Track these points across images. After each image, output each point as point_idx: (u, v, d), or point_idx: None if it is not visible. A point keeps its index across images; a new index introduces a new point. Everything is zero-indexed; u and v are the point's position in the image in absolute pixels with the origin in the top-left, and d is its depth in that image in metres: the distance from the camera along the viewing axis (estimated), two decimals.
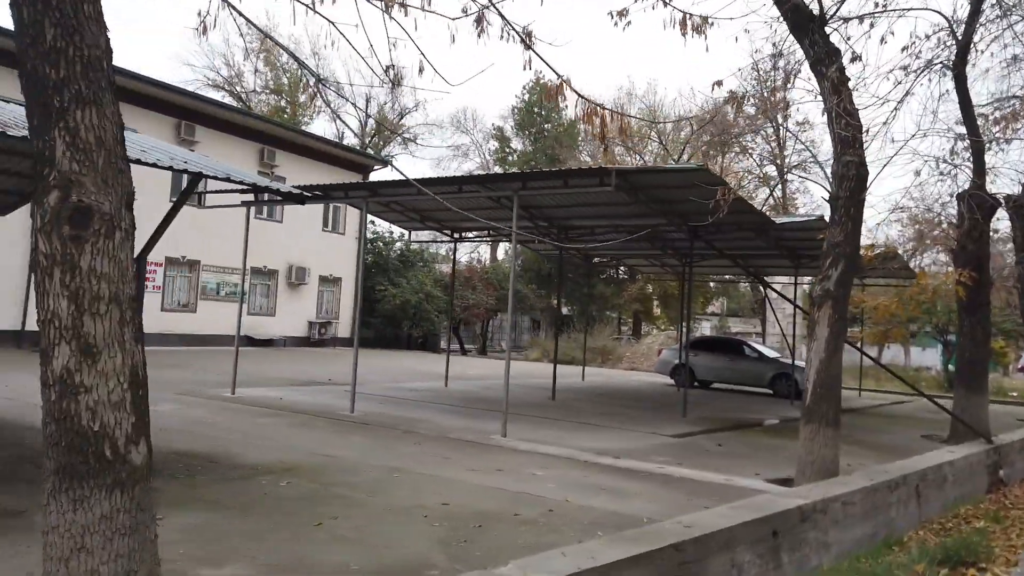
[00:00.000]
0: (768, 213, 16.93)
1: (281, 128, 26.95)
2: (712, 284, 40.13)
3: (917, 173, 9.30)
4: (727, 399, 17.33)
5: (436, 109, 77.90)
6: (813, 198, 43.82)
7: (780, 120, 32.58)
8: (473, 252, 50.91)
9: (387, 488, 6.13)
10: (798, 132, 35.93)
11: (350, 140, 43.63)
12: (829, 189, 7.72)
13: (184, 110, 23.24)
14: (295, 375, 16.13)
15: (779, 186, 36.56)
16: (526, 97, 44.35)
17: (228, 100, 41.39)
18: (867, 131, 8.63)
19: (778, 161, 37.42)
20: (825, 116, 7.75)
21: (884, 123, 8.74)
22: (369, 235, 33.21)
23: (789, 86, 7.55)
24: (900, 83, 9.01)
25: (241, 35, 45.54)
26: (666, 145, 35.93)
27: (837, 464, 7.21)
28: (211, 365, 17.20)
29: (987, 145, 12.22)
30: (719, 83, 7.82)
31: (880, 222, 10.02)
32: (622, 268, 37.52)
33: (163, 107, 22.77)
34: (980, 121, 12.27)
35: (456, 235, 16.02)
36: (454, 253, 17.87)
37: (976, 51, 11.01)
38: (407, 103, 45.90)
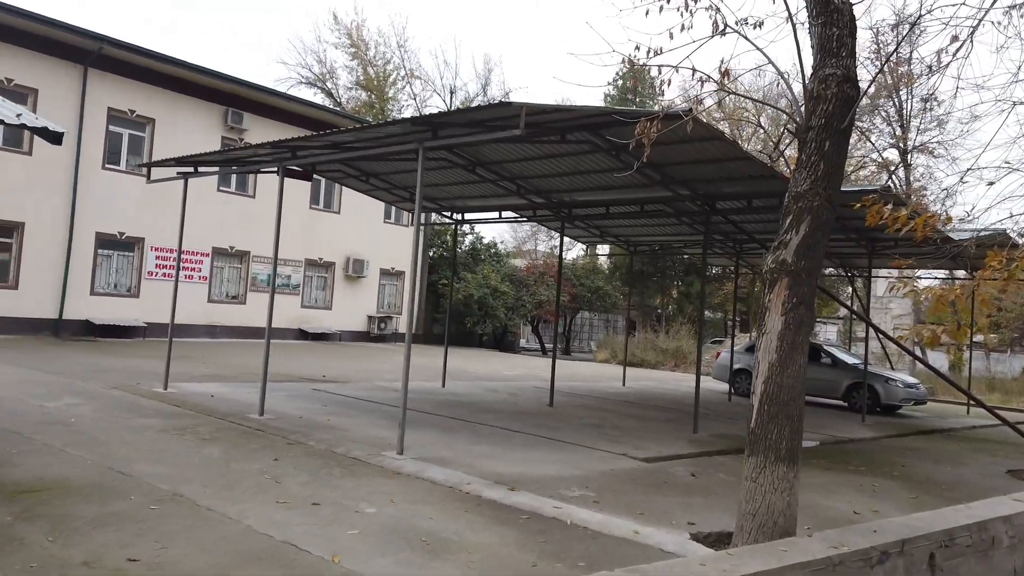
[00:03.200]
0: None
1: (328, 113, 26.14)
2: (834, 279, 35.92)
3: None
4: None
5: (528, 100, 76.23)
6: (942, 186, 38.50)
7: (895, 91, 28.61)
8: (571, 248, 48.96)
9: (91, 531, 4.45)
10: (922, 110, 31.73)
11: None
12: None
13: (232, 96, 22.81)
14: (298, 370, 14.91)
15: (898, 170, 32.13)
16: (619, 83, 41.83)
17: (319, 97, 41.66)
18: (932, 67, 6.13)
19: (900, 144, 33.10)
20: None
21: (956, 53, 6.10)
22: (438, 228, 32.05)
23: None
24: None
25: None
26: (763, 126, 32.36)
27: (793, 517, 4.84)
28: (221, 359, 16.34)
29: None
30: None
31: (958, 182, 7.22)
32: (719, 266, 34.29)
33: (211, 95, 22.44)
34: None
35: (459, 216, 14.22)
36: (454, 236, 16.02)
37: None
38: (495, 94, 44.60)
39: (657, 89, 34.11)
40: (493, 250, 33.50)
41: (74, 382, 10.73)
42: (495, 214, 13.83)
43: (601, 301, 35.36)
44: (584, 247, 37.12)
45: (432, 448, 7.70)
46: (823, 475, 8.33)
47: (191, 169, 10.58)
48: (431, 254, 30.62)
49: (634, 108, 8.12)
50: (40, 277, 19.15)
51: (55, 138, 5.37)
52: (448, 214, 14.11)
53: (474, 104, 41.35)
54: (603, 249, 39.65)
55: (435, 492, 5.99)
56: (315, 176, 13.33)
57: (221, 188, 22.96)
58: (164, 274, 21.44)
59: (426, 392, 12.86)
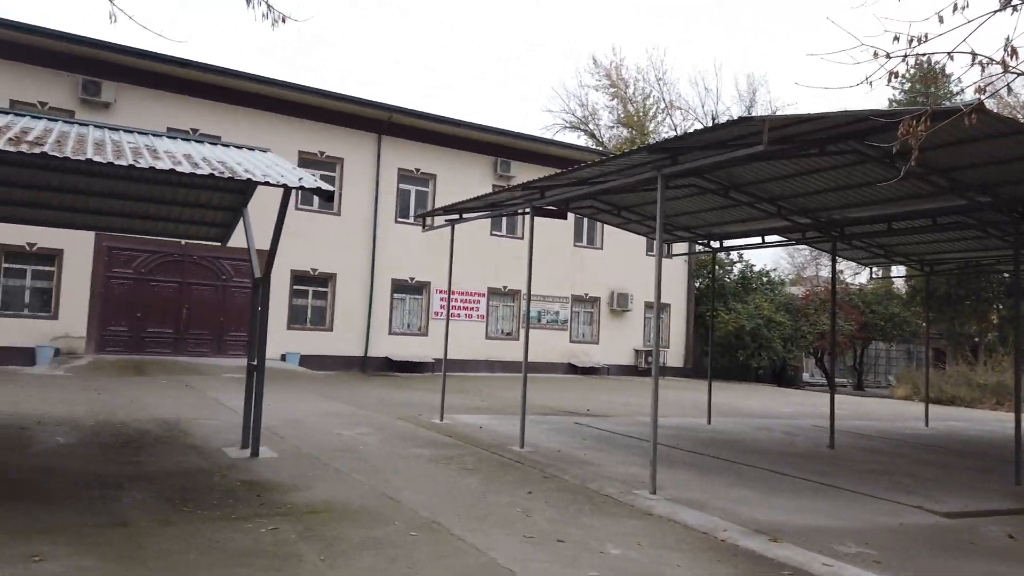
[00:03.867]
0: None
1: (582, 152, 26.79)
2: None
3: None
4: None
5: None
6: None
7: None
8: (860, 271, 44.65)
9: (355, 554, 4.84)
10: None
11: None
12: None
13: (497, 147, 24.56)
14: (563, 404, 15.31)
15: None
16: (906, 86, 37.50)
17: (582, 140, 43.21)
18: None
19: None
20: None
21: None
22: (703, 257, 31.10)
23: None
24: None
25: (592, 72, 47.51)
26: None
27: None
28: (495, 392, 17.33)
29: None
30: None
31: None
32: None
33: (482, 147, 24.36)
34: None
35: (716, 243, 13.61)
36: (713, 265, 15.26)
37: None
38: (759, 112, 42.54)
39: (946, 83, 29.81)
40: (766, 278, 31.66)
41: (368, 413, 12.04)
42: (757, 239, 13.01)
43: (898, 329, 31.51)
44: (872, 270, 33.55)
45: (687, 489, 7.31)
46: None
47: (457, 216, 11.46)
48: (697, 285, 29.80)
49: (897, 108, 7.09)
50: (348, 320, 22.04)
51: (328, 196, 6.13)
52: (704, 242, 13.58)
53: None
54: (899, 270, 35.41)
55: (686, 537, 5.63)
56: (570, 214, 13.62)
57: (493, 232, 24.66)
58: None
59: (688, 429, 12.36)
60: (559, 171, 8.69)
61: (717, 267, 30.77)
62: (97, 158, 5.17)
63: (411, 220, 23.03)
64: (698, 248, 14.70)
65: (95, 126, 7.67)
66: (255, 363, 8.05)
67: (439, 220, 12.31)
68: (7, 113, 7.28)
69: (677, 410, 15.68)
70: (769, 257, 66.91)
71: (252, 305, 8.79)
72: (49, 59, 18.19)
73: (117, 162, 5.24)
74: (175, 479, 6.60)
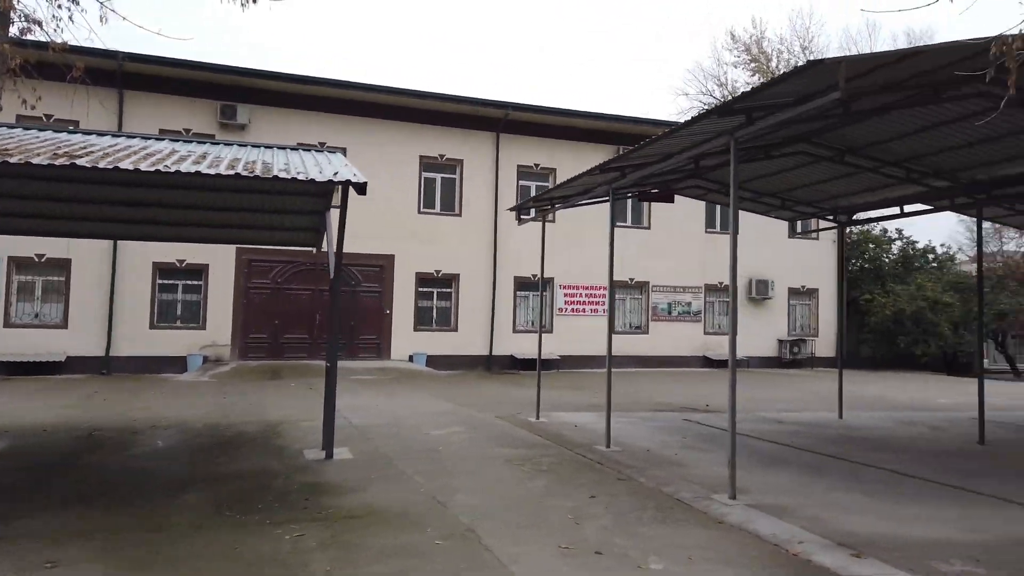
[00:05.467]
0: None
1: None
2: None
3: None
4: None
5: None
6: None
7: None
8: None
9: (366, 564, 4.55)
10: None
11: None
12: None
13: (618, 134, 23.76)
14: (683, 400, 14.47)
15: None
16: None
17: None
18: None
19: None
20: None
21: None
22: (855, 236, 28.47)
23: None
24: None
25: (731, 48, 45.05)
26: None
27: None
28: (615, 388, 16.65)
29: None
30: None
31: None
32: None
33: (601, 137, 23.69)
34: None
35: (841, 218, 12.18)
36: (840, 242, 13.61)
37: None
38: None
39: None
40: (931, 255, 28.52)
41: (470, 412, 11.88)
42: (894, 210, 11.51)
43: None
44: None
45: (780, 493, 6.45)
46: None
47: (548, 206, 11.05)
48: (849, 267, 27.35)
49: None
50: (473, 319, 22.15)
51: (360, 189, 5.94)
52: (830, 217, 12.23)
53: None
54: None
55: (751, 550, 4.88)
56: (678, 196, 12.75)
57: (618, 224, 23.88)
58: (572, 309, 23.03)
59: (815, 425, 11.16)
60: (630, 148, 8.03)
61: (872, 245, 28.11)
62: (123, 165, 5.27)
63: (531, 216, 22.79)
64: (846, 226, 13.28)
65: (170, 140, 7.98)
66: (329, 365, 8.06)
67: (543, 215, 11.95)
68: (89, 134, 7.75)
69: (815, 403, 14.32)
70: (943, 232, 60.33)
71: (328, 307, 8.83)
72: (191, 88, 19.65)
73: (141, 167, 5.32)
74: (240, 481, 6.68)
